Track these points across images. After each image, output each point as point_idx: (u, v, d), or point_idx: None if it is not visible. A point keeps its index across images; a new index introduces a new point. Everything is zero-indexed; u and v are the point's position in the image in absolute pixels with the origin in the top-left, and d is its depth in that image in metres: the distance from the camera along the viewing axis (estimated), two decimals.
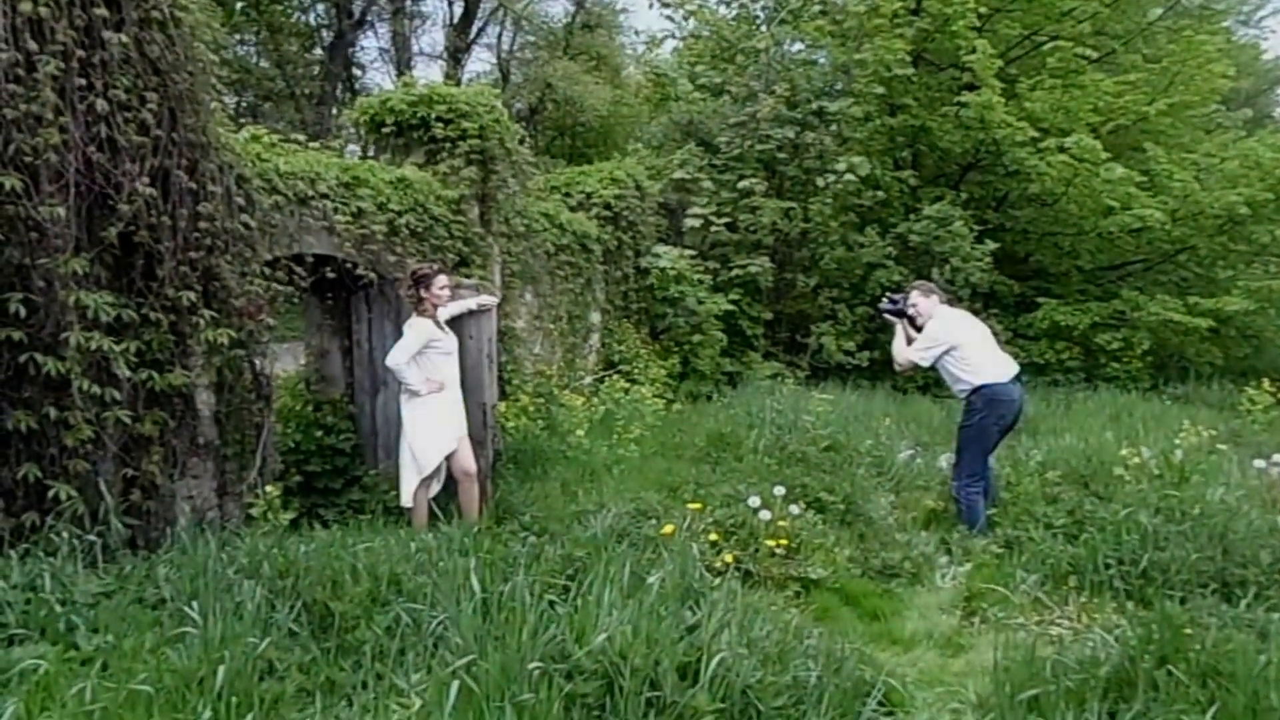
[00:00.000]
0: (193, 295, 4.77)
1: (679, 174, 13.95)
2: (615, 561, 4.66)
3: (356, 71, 29.11)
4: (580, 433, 8.19)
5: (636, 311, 12.69)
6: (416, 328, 6.19)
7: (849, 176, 13.50)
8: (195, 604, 3.63)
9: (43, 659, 3.23)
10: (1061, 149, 14.09)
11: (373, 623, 3.64)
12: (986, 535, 6.64)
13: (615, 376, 10.86)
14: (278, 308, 6.00)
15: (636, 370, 11.39)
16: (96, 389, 4.31)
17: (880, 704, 4.01)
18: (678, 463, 8.24)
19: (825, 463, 8.38)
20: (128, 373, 4.40)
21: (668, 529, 5.80)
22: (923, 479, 9.11)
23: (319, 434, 6.95)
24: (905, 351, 7.14)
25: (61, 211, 4.09)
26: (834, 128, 14.54)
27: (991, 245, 14.30)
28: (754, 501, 5.99)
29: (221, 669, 3.17)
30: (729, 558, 5.71)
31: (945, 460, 9.78)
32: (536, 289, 10.03)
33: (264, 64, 27.14)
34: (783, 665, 3.88)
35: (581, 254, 11.10)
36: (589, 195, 12.03)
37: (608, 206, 12.03)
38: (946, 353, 6.85)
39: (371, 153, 8.12)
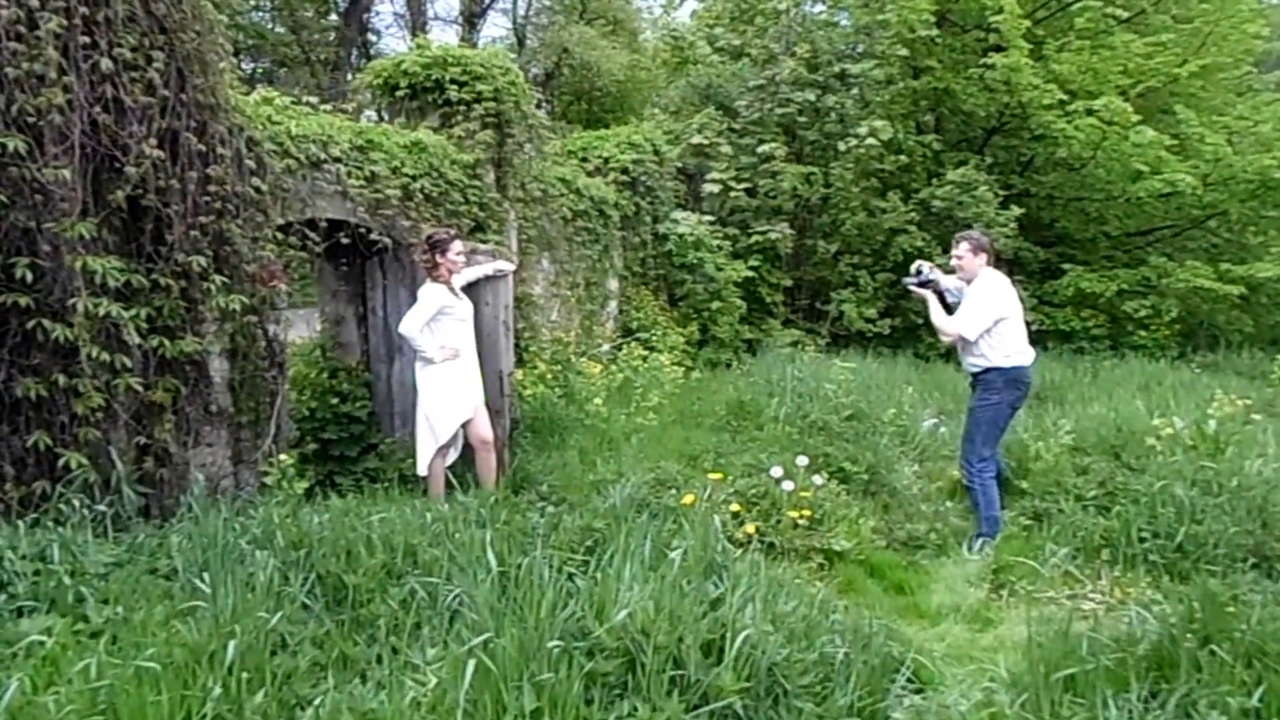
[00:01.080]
0: (203, 260, 4.65)
1: (697, 139, 13.69)
2: (635, 533, 4.55)
3: (372, 37, 28.83)
4: (598, 401, 8.07)
5: (655, 278, 12.52)
6: (430, 294, 6.07)
7: (871, 141, 13.21)
8: (206, 576, 3.54)
9: (50, 632, 3.15)
10: (1090, 112, 13.74)
11: (387, 596, 3.54)
12: (1001, 524, 6.37)
13: (633, 344, 10.72)
14: (291, 274, 5.89)
15: (655, 338, 11.24)
16: (106, 356, 4.20)
17: (909, 681, 3.90)
18: (697, 431, 8.11)
19: (848, 432, 8.23)
20: (137, 339, 4.30)
21: (688, 499, 5.69)
22: (947, 448, 8.96)
23: (334, 401, 6.86)
24: (950, 323, 6.38)
25: (67, 174, 3.97)
26: (856, 91, 14.24)
27: (1017, 211, 14.01)
28: (776, 472, 5.86)
29: (232, 644, 3.08)
30: (751, 529, 5.60)
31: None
32: (553, 255, 9.88)
33: (279, 29, 26.89)
34: (809, 642, 3.77)
35: (599, 220, 10.93)
36: (606, 160, 11.83)
37: (625, 171, 11.83)
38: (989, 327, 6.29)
39: (385, 117, 7.94)
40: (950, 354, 15.18)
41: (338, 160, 6.14)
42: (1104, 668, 3.57)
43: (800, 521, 5.73)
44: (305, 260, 5.63)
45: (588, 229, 10.59)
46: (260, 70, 25.66)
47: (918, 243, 14.20)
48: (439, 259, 6.07)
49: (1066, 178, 15.62)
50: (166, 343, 4.54)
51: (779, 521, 5.75)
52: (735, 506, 5.74)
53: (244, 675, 3.01)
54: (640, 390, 9.00)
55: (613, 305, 11.65)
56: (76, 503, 4.12)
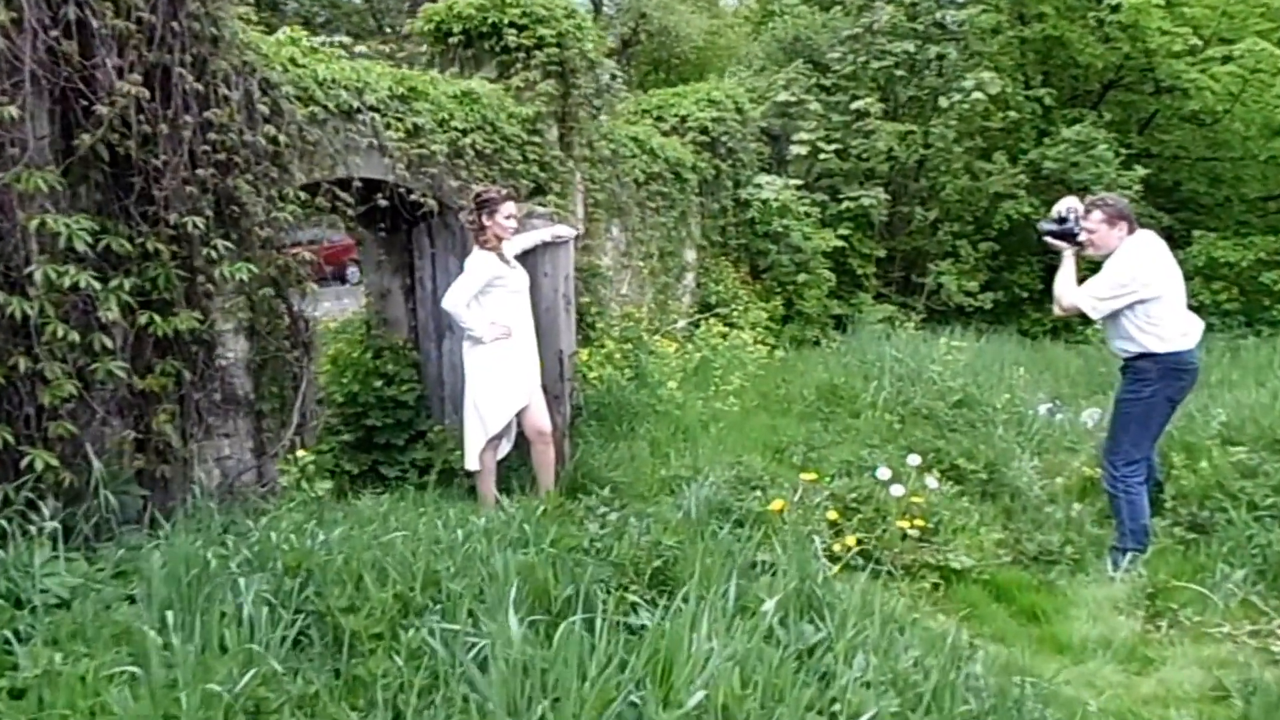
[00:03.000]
0: (200, 222, 3.91)
1: (783, 96, 12.65)
2: (714, 553, 3.70)
3: None
4: (672, 384, 7.21)
5: (736, 248, 11.57)
6: (478, 263, 5.27)
7: (977, 95, 11.99)
8: (171, 614, 2.80)
9: None
10: (1227, 59, 12.26)
11: (397, 643, 2.76)
12: (1149, 538, 5.31)
13: (712, 320, 9.82)
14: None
15: (735, 313, 10.31)
16: (76, 336, 3.49)
17: None
18: (783, 419, 7.22)
19: (957, 421, 7.24)
20: (114, 315, 3.58)
21: (777, 504, 4.81)
22: (1069, 438, 7.90)
23: (378, 384, 6.14)
24: (1073, 293, 5.28)
25: (14, 111, 3.24)
26: (959, 41, 12.96)
27: (1142, 171, 12.63)
28: (883, 473, 4.93)
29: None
30: (851, 541, 4.70)
31: (1089, 416, 8.55)
32: (624, 222, 9.01)
33: None
34: (940, 711, 2.88)
35: (675, 184, 10.01)
36: (684, 119, 10.89)
37: (704, 131, 10.88)
38: (1131, 305, 5.14)
39: (439, 68, 7.17)
40: (1059, 330, 13.95)
41: (374, 109, 5.37)
42: None
43: (910, 532, 4.81)
44: (336, 224, 4.83)
45: (662, 193, 9.68)
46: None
47: (1025, 209, 13.01)
48: (486, 221, 5.27)
49: (1195, 135, 14.13)
50: (158, 319, 3.82)
51: (885, 532, 4.83)
52: (832, 514, 4.84)
53: None
54: (720, 371, 8.12)
55: (689, 278, 10.74)
56: (47, 510, 3.43)
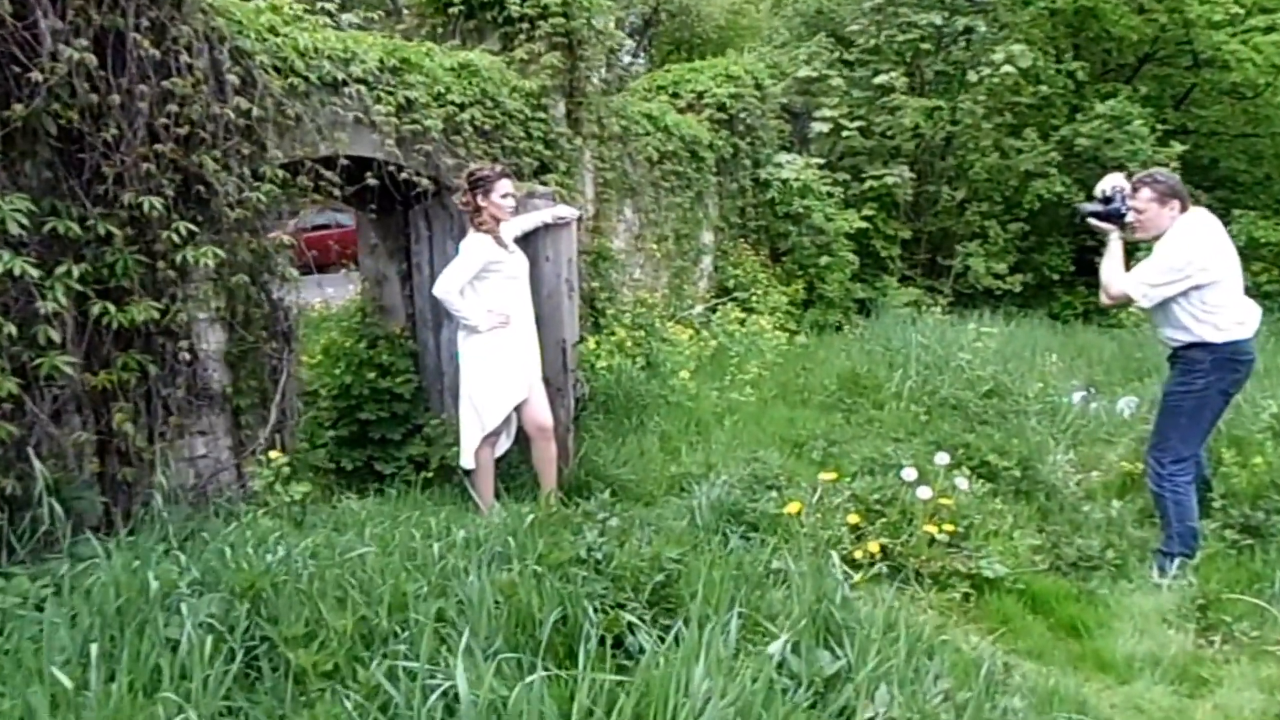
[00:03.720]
0: (159, 202, 3.57)
1: (805, 71, 12.17)
2: (722, 567, 3.34)
3: None
4: (685, 374, 6.83)
5: (755, 230, 11.14)
6: (472, 246, 4.91)
7: (1006, 69, 11.45)
8: (99, 643, 2.47)
9: None
10: (1270, 29, 11.66)
11: (352, 683, 2.42)
12: (1198, 542, 4.88)
13: (729, 305, 9.42)
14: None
15: (755, 298, 9.90)
16: (13, 328, 3.17)
17: None
18: (803, 410, 6.83)
19: (987, 412, 6.83)
20: (58, 305, 3.25)
21: (793, 507, 4.44)
22: (1104, 429, 7.47)
23: (371, 375, 5.80)
24: (1122, 280, 4.77)
25: None
26: (988, 12, 12.42)
27: (1179, 147, 12.06)
28: (909, 474, 4.54)
29: None
30: (874, 547, 4.32)
31: (1125, 405, 8.10)
32: (637, 203, 8.63)
33: None
34: None
35: (691, 163, 9.60)
36: (700, 95, 10.45)
37: (722, 108, 10.44)
38: (1185, 291, 4.65)
39: (439, 42, 6.80)
40: (1091, 313, 13.43)
41: (361, 82, 5.01)
42: None
43: (939, 537, 4.42)
44: (319, 205, 4.49)
45: (677, 173, 9.27)
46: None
47: (1056, 188, 12.51)
48: (481, 202, 4.90)
49: (1235, 109, 13.54)
50: (112, 309, 3.49)
51: (911, 537, 4.45)
52: (853, 517, 4.46)
53: None
54: (736, 360, 7.72)
55: (706, 261, 10.34)
56: None
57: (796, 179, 10.77)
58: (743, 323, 8.81)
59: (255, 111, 4.20)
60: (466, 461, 5.03)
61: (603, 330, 7.26)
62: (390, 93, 5.25)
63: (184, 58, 3.72)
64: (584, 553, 3.49)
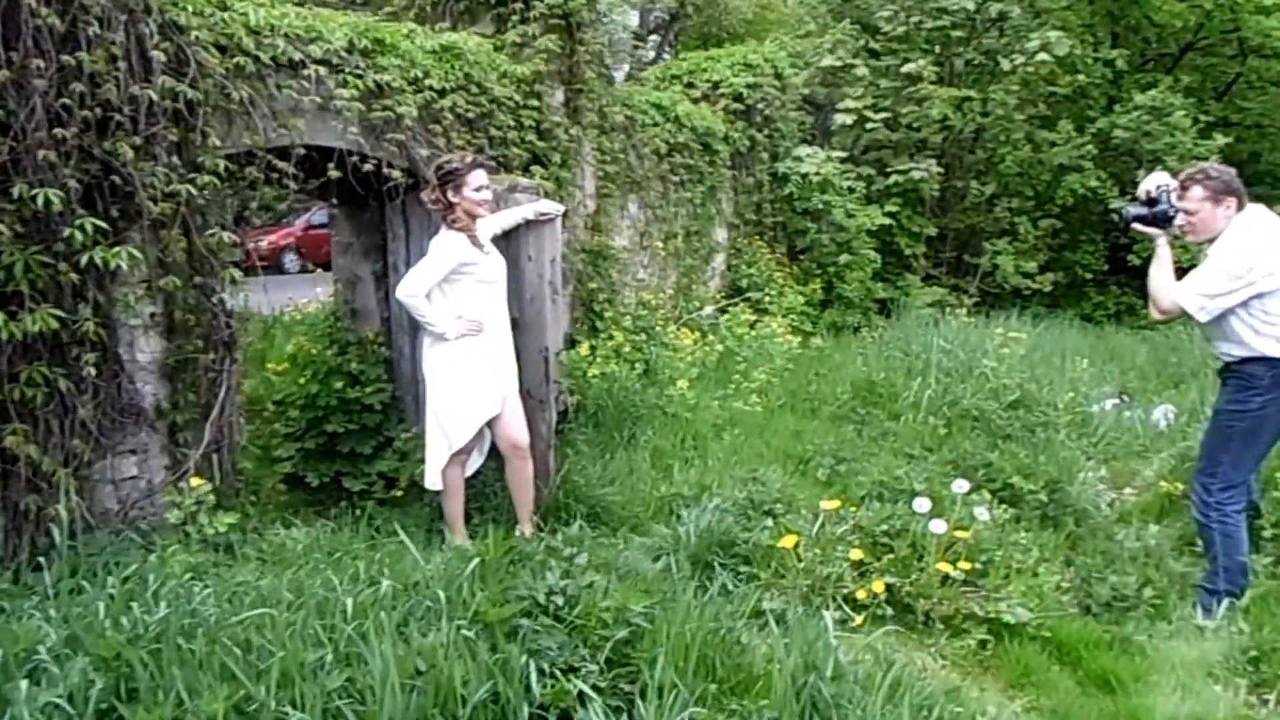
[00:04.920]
0: (56, 195, 3.14)
1: (828, 61, 11.60)
2: (695, 619, 2.87)
3: None
4: (683, 383, 6.34)
5: (772, 227, 10.61)
6: (444, 245, 4.46)
7: (1041, 58, 10.82)
8: None
9: None
10: None
11: None
12: (1247, 579, 4.36)
13: (741, 306, 8.91)
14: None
15: (768, 298, 9.37)
16: None
17: None
18: (811, 422, 6.34)
19: (1012, 425, 6.31)
20: None
21: (787, 541, 3.96)
22: (1139, 441, 6.93)
23: (339, 385, 5.37)
24: (1173, 291, 4.22)
25: None
26: None
27: (1222, 140, 11.39)
28: (921, 505, 4.04)
29: None
30: (879, 586, 3.84)
31: (1161, 414, 7.55)
32: (642, 198, 8.15)
33: None
34: None
35: (703, 155, 9.10)
36: (716, 85, 9.93)
37: (738, 98, 9.91)
38: (1245, 301, 4.09)
39: (428, 24, 6.35)
40: (1123, 314, 12.78)
41: (323, 63, 4.57)
42: None
43: (954, 575, 3.91)
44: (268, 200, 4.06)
45: (688, 166, 8.77)
46: None
47: (1091, 183, 11.86)
48: (452, 198, 4.45)
49: None
50: (1, 318, 3.08)
51: (921, 575, 3.95)
52: (856, 552, 3.97)
53: None
54: (743, 366, 7.23)
55: (719, 259, 9.83)
56: None
57: (816, 173, 10.23)
58: (753, 325, 8.30)
59: (190, 94, 3.77)
60: (432, 482, 4.59)
61: (600, 334, 6.80)
62: (359, 76, 4.81)
63: (94, 30, 3.29)
64: (542, 598, 3.04)
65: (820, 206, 10.36)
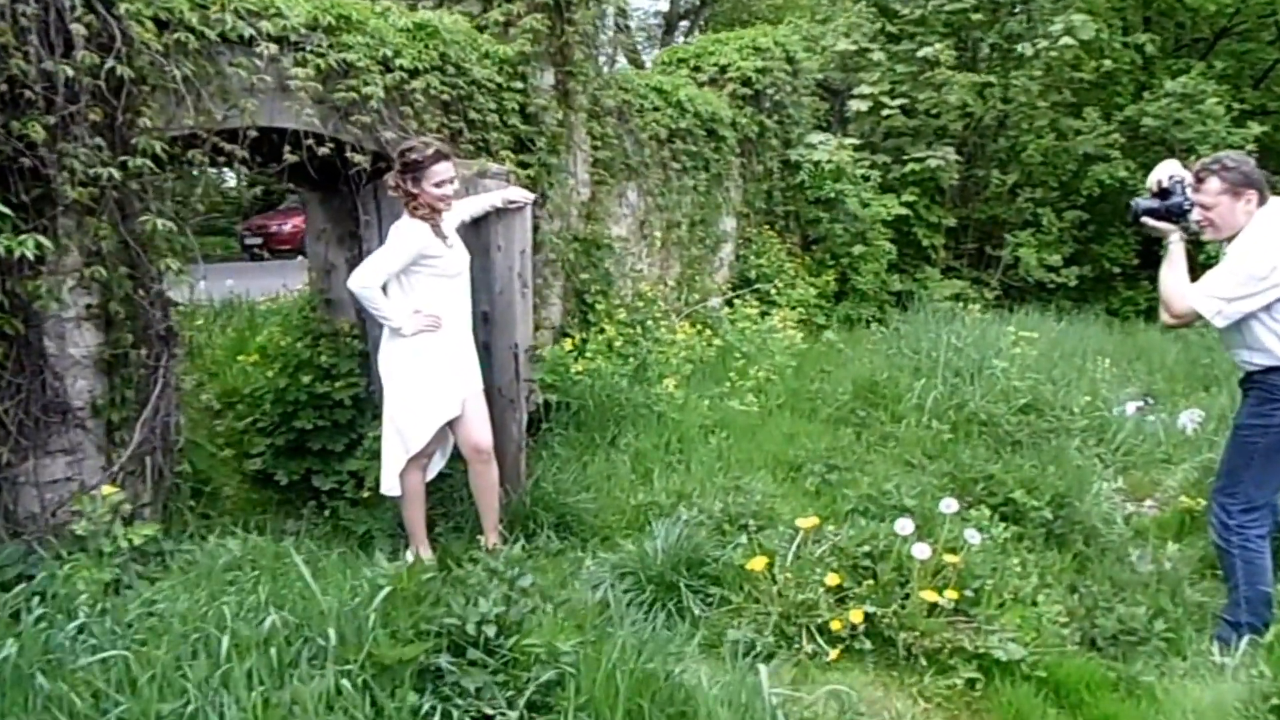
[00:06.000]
0: None
1: (843, 45, 11.19)
2: (626, 665, 2.57)
3: None
4: (670, 382, 6.02)
5: (783, 216, 10.24)
6: (404, 234, 4.18)
7: (1066, 42, 10.35)
8: None
9: None
10: None
11: None
12: (1272, 612, 3.98)
13: (746, 298, 8.57)
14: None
15: (776, 290, 9.02)
16: None
17: None
18: (809, 425, 6.00)
19: (1021, 432, 5.94)
20: None
21: (757, 563, 3.65)
22: (1161, 449, 6.54)
23: (308, 379, 5.11)
24: (1185, 294, 3.86)
25: None
26: None
27: (1257, 128, 10.87)
28: (904, 527, 3.70)
29: None
30: (856, 616, 3.52)
31: (1188, 419, 7.16)
32: (641, 185, 7.81)
33: None
34: None
35: (708, 142, 8.73)
36: (724, 69, 9.56)
37: (747, 83, 9.53)
38: (1268, 305, 3.74)
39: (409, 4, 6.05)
40: (1154, 310, 12.26)
41: (279, 40, 4.28)
42: None
43: (941, 604, 3.59)
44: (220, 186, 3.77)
45: (690, 153, 8.42)
46: None
47: (1119, 172, 11.35)
48: (411, 188, 4.15)
49: None
50: None
51: (906, 602, 3.63)
52: (833, 577, 3.65)
53: None
54: (741, 362, 6.90)
55: (727, 249, 9.48)
56: None
57: (829, 161, 9.85)
58: (761, 317, 7.96)
59: (123, 71, 3.50)
60: (389, 488, 4.32)
61: (592, 327, 6.50)
62: (320, 55, 4.51)
63: None
64: (472, 628, 2.76)
65: (833, 195, 9.99)
